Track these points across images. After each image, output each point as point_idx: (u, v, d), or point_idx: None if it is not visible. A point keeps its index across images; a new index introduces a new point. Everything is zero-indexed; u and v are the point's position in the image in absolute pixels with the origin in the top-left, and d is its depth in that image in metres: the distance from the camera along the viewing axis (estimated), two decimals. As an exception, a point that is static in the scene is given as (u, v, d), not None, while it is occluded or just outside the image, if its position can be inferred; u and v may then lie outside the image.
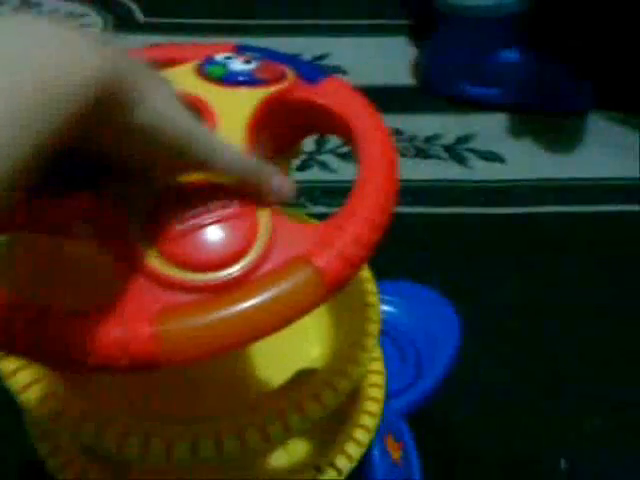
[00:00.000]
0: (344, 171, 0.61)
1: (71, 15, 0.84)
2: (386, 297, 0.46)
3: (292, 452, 0.29)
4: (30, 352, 0.18)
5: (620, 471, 0.41)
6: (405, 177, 0.67)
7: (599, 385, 0.46)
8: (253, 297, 0.17)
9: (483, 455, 0.43)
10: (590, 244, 0.55)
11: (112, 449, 0.23)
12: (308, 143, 0.63)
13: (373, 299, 0.28)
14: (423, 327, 0.47)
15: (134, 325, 0.17)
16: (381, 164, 0.22)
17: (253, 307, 0.17)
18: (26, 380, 0.24)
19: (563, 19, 0.67)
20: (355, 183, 0.21)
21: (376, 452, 0.38)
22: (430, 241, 0.56)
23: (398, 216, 0.59)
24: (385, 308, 0.46)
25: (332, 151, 0.63)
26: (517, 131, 0.66)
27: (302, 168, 0.62)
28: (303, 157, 0.62)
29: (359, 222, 0.19)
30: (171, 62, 0.27)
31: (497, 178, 0.62)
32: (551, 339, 0.50)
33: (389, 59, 0.75)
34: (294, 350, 0.28)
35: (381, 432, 0.39)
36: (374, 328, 0.28)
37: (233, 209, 0.19)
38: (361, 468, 0.36)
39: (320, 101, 0.25)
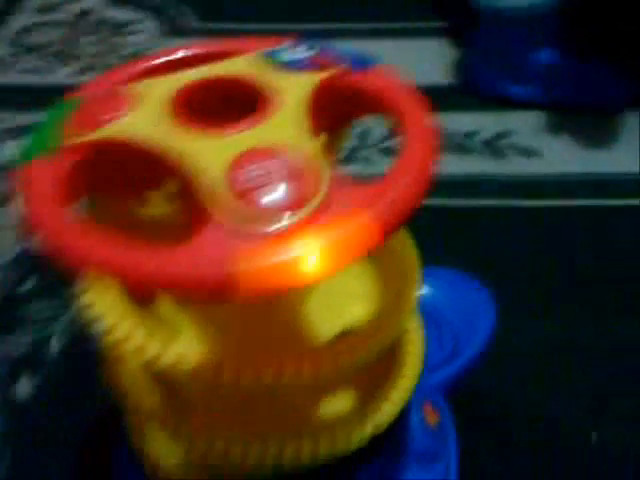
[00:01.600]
0: (387, 166, 0.64)
1: (123, 23, 0.88)
2: (425, 280, 0.49)
3: (334, 407, 0.32)
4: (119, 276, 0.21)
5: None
6: (444, 171, 0.70)
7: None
8: (315, 240, 0.21)
9: (514, 425, 0.45)
10: (622, 236, 0.57)
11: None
12: (351, 138, 0.67)
13: (414, 265, 0.31)
14: (460, 309, 0.49)
15: (215, 265, 0.20)
16: (424, 136, 0.25)
17: (315, 249, 0.20)
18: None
19: (603, 19, 0.69)
20: (401, 150, 0.24)
21: (415, 418, 0.41)
22: (466, 231, 0.59)
23: (436, 208, 0.62)
24: (424, 291, 0.49)
25: (375, 145, 0.66)
26: (554, 128, 0.69)
27: (345, 162, 0.65)
28: (346, 151, 0.65)
29: (406, 183, 0.23)
30: (234, 53, 0.31)
31: (533, 172, 0.64)
32: (583, 327, 0.51)
33: (429, 61, 0.77)
34: (341, 310, 0.32)
35: (420, 401, 0.42)
36: (413, 292, 0.31)
37: (294, 165, 0.23)
38: (400, 432, 0.39)
39: (370, 83, 0.28)
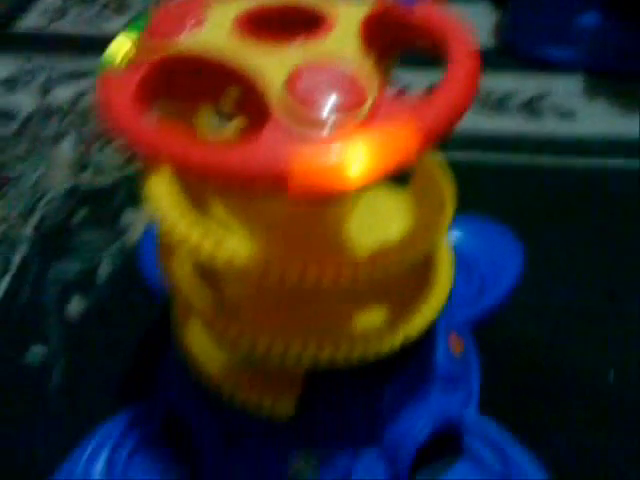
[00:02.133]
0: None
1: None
2: (455, 225, 0.51)
3: (372, 315, 0.35)
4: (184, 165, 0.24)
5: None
6: (480, 128, 0.72)
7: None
8: (363, 145, 0.23)
9: (535, 360, 0.48)
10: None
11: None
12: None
13: (450, 194, 0.34)
14: (488, 253, 0.52)
15: (274, 161, 0.23)
16: (468, 56, 0.27)
17: (363, 153, 0.23)
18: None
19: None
20: (446, 70, 0.26)
21: (441, 345, 0.43)
22: (500, 185, 0.61)
23: (472, 162, 0.63)
24: (452, 233, 0.51)
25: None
26: (592, 91, 0.70)
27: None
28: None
29: (450, 98, 0.25)
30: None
31: (568, 133, 0.66)
32: (609, 271, 0.53)
33: (472, 23, 0.78)
34: (379, 227, 0.34)
35: (447, 331, 0.44)
36: (447, 217, 0.34)
37: (348, 77, 0.25)
38: (426, 354, 0.42)
39: (417, 14, 0.31)
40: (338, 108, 0.25)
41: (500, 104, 0.69)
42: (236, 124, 0.35)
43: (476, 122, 0.67)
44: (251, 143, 0.24)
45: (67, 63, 0.79)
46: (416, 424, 0.38)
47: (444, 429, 0.39)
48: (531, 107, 0.69)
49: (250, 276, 0.31)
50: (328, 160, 0.23)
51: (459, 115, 0.26)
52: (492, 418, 0.41)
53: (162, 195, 0.31)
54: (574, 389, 0.46)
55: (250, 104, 0.27)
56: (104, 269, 0.56)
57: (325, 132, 0.24)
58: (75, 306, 0.53)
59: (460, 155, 0.64)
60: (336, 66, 0.26)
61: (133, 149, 0.26)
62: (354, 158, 0.23)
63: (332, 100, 0.25)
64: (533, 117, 0.68)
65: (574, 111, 0.68)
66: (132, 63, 0.29)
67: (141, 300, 0.52)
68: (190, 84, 0.29)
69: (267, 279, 0.30)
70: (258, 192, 0.24)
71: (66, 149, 0.68)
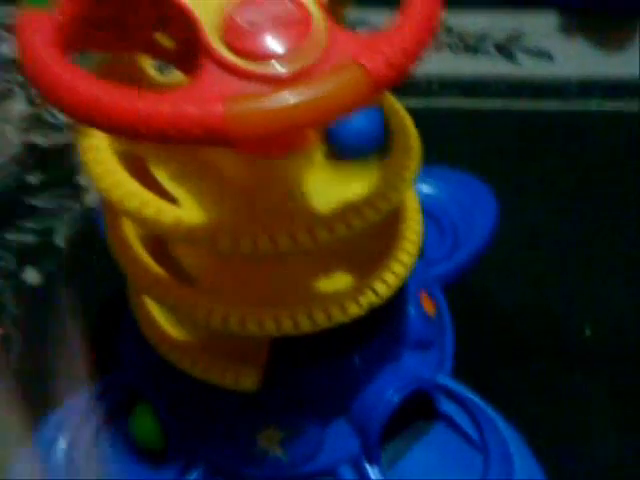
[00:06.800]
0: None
1: None
2: (425, 178, 0.48)
3: (337, 279, 0.33)
4: (116, 124, 0.21)
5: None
6: (454, 72, 0.69)
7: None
8: (311, 87, 0.20)
9: (510, 317, 0.46)
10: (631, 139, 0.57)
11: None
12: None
13: (414, 145, 0.31)
14: (460, 205, 0.50)
15: (210, 104, 0.20)
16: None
17: (310, 96, 0.20)
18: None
19: None
20: (403, 5, 0.23)
21: (413, 307, 0.41)
22: (475, 131, 0.58)
23: (445, 108, 0.61)
24: (424, 188, 0.49)
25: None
26: (567, 30, 0.67)
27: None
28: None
29: (406, 35, 0.22)
30: None
31: (545, 74, 0.63)
32: (584, 230, 0.52)
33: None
34: (340, 186, 0.32)
35: (417, 289, 0.42)
36: (411, 170, 0.31)
37: (293, 12, 0.22)
38: (398, 317, 0.40)
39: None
40: (283, 46, 0.22)
41: (472, 47, 0.66)
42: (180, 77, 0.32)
43: (450, 65, 0.64)
44: (186, 87, 0.21)
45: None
46: (386, 390, 0.36)
47: (416, 394, 0.37)
48: (505, 48, 0.66)
49: (200, 243, 0.28)
50: (270, 103, 0.20)
51: (416, 53, 0.23)
52: (466, 380, 0.40)
53: (99, 161, 0.28)
54: (549, 348, 0.45)
55: (187, 45, 0.24)
56: (62, 234, 0.53)
57: (268, 72, 0.21)
58: (32, 274, 0.51)
59: (432, 100, 0.61)
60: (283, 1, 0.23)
61: (50, 102, 0.23)
62: (297, 101, 0.20)
63: (278, 38, 0.22)
64: (507, 59, 0.65)
65: (550, 51, 0.65)
66: (54, 3, 0.25)
67: (102, 266, 0.50)
68: (117, 29, 0.26)
69: (218, 246, 0.27)
70: (197, 144, 0.21)
71: (17, 105, 0.64)
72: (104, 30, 0.26)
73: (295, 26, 0.22)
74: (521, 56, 0.65)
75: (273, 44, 0.22)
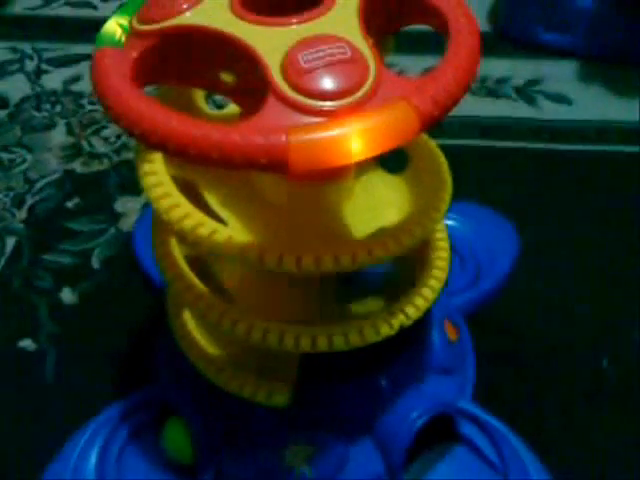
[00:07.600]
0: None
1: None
2: (451, 214, 0.51)
3: (369, 301, 0.35)
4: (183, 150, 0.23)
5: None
6: (475, 114, 0.71)
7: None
8: (366, 120, 0.23)
9: (528, 353, 0.48)
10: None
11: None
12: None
13: (447, 181, 0.34)
14: (482, 238, 0.52)
15: (274, 135, 0.23)
16: (469, 37, 0.27)
17: (364, 129, 0.23)
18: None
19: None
20: (446, 50, 0.26)
21: (436, 333, 0.43)
22: (495, 170, 0.61)
23: (467, 148, 0.63)
24: (450, 223, 0.51)
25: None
26: (586, 77, 0.69)
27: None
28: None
29: (450, 78, 0.25)
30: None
31: (563, 118, 0.66)
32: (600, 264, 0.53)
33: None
34: (377, 214, 0.34)
35: (441, 317, 0.44)
36: (443, 203, 0.33)
37: (347, 54, 0.25)
38: (422, 342, 0.42)
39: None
40: (339, 84, 0.24)
41: (493, 90, 0.69)
42: (230, 111, 0.34)
43: (471, 107, 0.66)
44: (251, 119, 0.24)
45: (62, 47, 0.77)
46: (411, 413, 0.37)
47: (439, 417, 0.39)
48: (525, 92, 0.69)
49: (249, 261, 0.30)
50: (327, 135, 0.23)
51: (459, 94, 0.25)
52: (487, 405, 0.41)
53: (157, 184, 0.30)
54: (569, 375, 0.46)
55: (248, 82, 0.27)
56: (98, 257, 0.55)
57: (326, 108, 0.24)
58: (68, 294, 0.53)
59: (455, 140, 0.63)
60: (336, 43, 0.26)
61: (128, 129, 0.25)
62: (352, 134, 0.23)
63: (332, 77, 0.24)
64: (527, 102, 0.68)
65: (568, 97, 0.68)
66: (127, 43, 0.28)
67: (136, 288, 0.52)
68: (184, 66, 0.29)
69: (265, 264, 0.29)
70: (259, 170, 0.24)
71: (58, 135, 0.67)
72: (172, 67, 0.29)
73: (350, 65, 0.25)
74: (541, 100, 0.68)
75: (330, 83, 0.24)
